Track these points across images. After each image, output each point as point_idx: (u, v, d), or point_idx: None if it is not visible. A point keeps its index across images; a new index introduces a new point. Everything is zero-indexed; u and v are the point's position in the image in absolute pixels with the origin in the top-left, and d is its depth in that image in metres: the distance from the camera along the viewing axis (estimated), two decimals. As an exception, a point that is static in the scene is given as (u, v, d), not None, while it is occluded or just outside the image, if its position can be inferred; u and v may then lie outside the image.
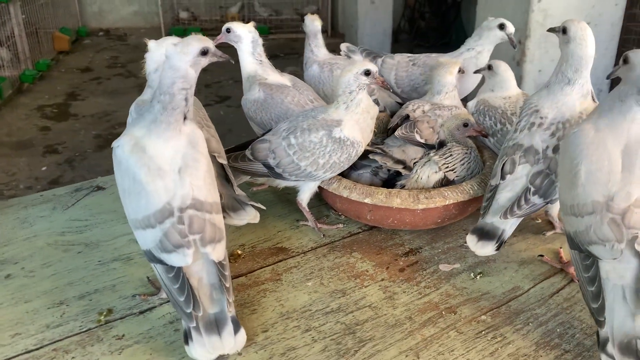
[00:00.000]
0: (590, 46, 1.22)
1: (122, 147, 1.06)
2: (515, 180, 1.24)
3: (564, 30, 1.25)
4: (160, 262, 1.03)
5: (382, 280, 1.25)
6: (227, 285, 1.03)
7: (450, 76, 1.61)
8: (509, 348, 1.06)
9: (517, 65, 3.36)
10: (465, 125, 1.46)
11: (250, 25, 1.58)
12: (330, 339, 1.08)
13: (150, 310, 1.16)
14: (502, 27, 1.75)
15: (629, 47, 1.14)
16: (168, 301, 1.18)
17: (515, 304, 1.18)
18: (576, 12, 3.09)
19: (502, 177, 1.25)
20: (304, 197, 1.41)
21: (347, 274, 1.27)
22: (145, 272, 1.27)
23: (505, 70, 1.62)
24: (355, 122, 1.33)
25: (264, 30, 8.13)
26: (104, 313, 1.15)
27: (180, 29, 8.34)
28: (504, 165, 1.25)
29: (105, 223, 1.46)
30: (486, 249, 1.23)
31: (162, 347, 1.07)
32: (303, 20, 1.84)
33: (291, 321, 1.13)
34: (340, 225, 1.45)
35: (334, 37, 8.17)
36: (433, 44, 7.82)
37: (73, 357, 1.04)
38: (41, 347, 1.06)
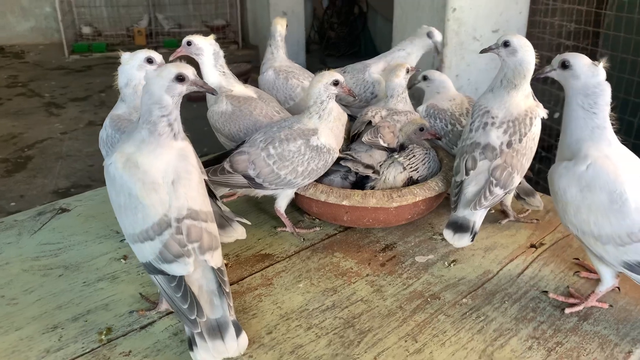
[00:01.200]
0: (533, 52, 1.38)
1: (114, 164, 1.07)
2: (479, 175, 1.37)
3: (505, 44, 1.39)
4: (161, 272, 1.06)
5: (367, 275, 1.34)
6: (227, 290, 1.07)
7: (397, 79, 1.71)
8: (493, 324, 1.18)
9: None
10: (421, 129, 1.59)
11: (211, 38, 1.62)
12: (333, 334, 1.15)
13: (150, 324, 1.17)
14: (429, 35, 1.93)
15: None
16: (167, 314, 1.19)
17: (489, 285, 1.31)
18: (487, 19, 3.38)
19: (467, 173, 1.38)
20: (282, 204, 1.47)
21: (334, 273, 1.34)
22: (135, 288, 1.28)
23: (440, 75, 1.79)
24: (330, 130, 1.41)
25: (173, 43, 7.99)
26: (104, 332, 1.14)
27: (84, 45, 8.02)
28: (466, 162, 1.39)
29: (79, 244, 1.44)
30: (463, 241, 1.35)
31: (173, 358, 1.09)
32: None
33: (292, 321, 1.19)
34: (317, 229, 1.52)
35: (246, 49, 8.19)
36: (343, 54, 8.07)
37: (84, 378, 1.04)
38: (47, 372, 1.05)
